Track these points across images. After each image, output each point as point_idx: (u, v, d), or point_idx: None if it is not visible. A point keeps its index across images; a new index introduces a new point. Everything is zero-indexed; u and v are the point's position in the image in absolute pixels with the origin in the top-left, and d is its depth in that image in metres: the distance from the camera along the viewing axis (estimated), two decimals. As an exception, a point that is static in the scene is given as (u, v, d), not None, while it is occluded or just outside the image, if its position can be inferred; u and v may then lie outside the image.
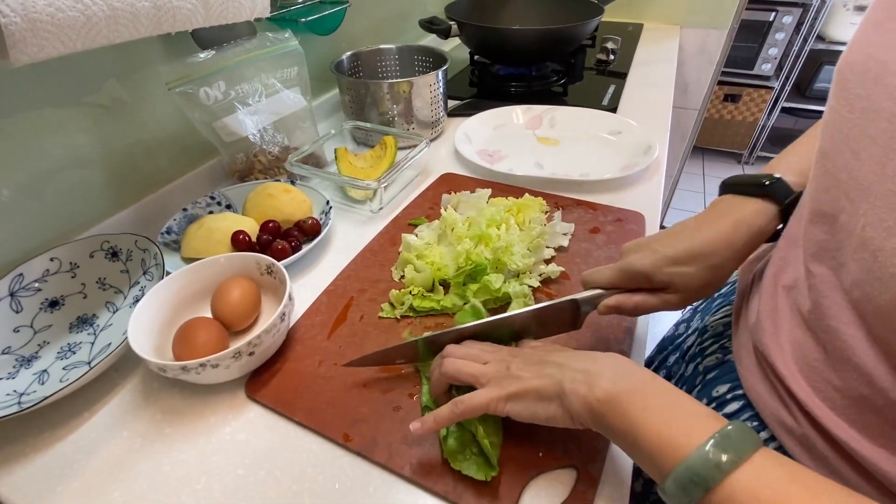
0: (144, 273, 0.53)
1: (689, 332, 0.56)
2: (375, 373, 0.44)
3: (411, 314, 0.50)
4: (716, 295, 0.57)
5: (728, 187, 0.41)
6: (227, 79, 0.63)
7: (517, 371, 0.34)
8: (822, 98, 2.34)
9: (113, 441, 0.40)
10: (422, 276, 0.51)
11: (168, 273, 0.48)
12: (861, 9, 2.09)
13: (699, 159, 2.66)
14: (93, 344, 0.49)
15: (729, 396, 0.41)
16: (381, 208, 0.67)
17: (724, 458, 0.24)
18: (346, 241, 0.62)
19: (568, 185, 0.70)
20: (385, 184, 0.62)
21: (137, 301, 0.44)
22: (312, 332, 0.48)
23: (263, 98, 0.68)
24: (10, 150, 0.50)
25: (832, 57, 2.23)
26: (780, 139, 2.58)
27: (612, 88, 1.01)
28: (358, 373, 0.44)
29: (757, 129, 2.46)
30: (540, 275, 0.52)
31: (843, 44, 2.19)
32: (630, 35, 1.37)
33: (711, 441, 0.25)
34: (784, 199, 0.38)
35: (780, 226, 0.39)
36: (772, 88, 2.32)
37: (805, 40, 2.19)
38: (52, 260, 0.52)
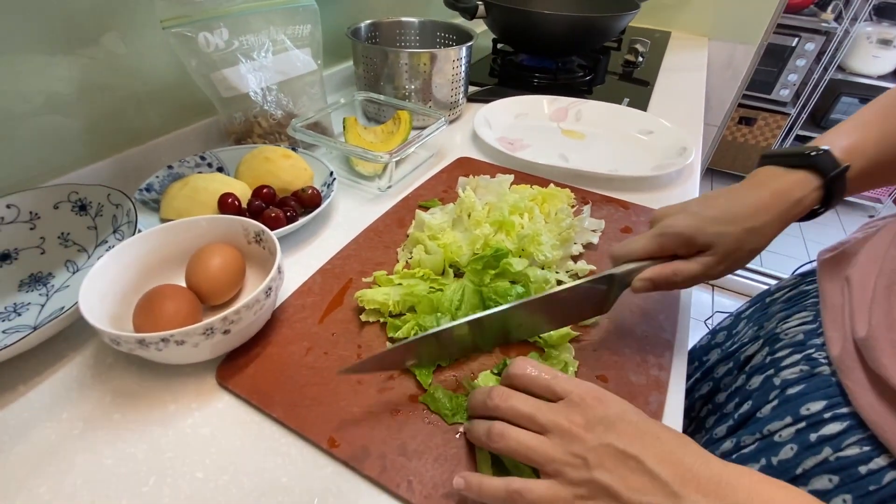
0: (115, 231, 0.46)
1: (743, 339, 0.50)
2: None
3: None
4: (769, 300, 0.52)
5: (768, 158, 0.38)
6: (230, 26, 0.56)
7: (600, 475, 0.25)
8: (837, 129, 2.31)
9: (48, 423, 0.33)
10: (432, 258, 0.44)
11: (140, 232, 0.42)
12: (885, 42, 2.07)
13: (708, 180, 2.62)
14: (43, 306, 0.42)
15: (827, 416, 0.35)
16: (389, 186, 0.61)
17: None
18: (349, 218, 0.56)
19: (595, 181, 0.64)
20: (397, 158, 0.55)
21: (100, 261, 0.37)
22: (302, 314, 0.42)
23: (270, 54, 0.61)
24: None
25: (851, 88, 2.20)
26: (790, 167, 2.55)
27: (626, 101, 0.90)
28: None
29: (769, 155, 2.43)
30: (567, 271, 0.46)
31: (863, 76, 2.16)
32: (657, 41, 1.32)
33: None
34: (829, 171, 0.35)
35: (820, 207, 0.37)
36: (787, 115, 2.29)
37: (825, 69, 2.16)
38: (8, 207, 0.45)
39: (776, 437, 0.38)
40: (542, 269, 0.45)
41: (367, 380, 0.36)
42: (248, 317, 0.35)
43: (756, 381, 0.43)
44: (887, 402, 0.31)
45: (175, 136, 0.62)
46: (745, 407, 0.43)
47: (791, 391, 0.39)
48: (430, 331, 0.34)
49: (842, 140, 0.37)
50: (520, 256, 0.44)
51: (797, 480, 0.34)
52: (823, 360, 0.39)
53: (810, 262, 0.50)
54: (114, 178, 0.55)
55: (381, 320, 0.41)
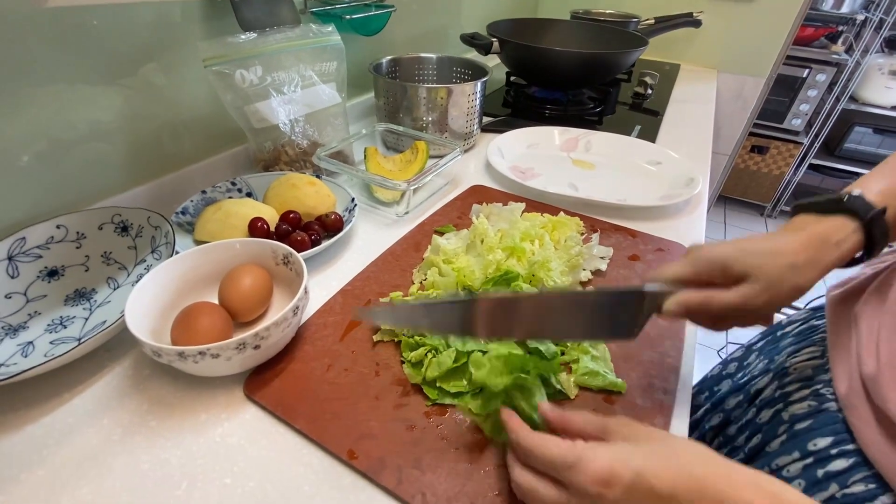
0: (153, 251, 0.50)
1: (753, 372, 0.51)
2: (390, 384, 0.39)
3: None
4: (780, 333, 0.53)
5: (802, 207, 0.37)
6: (264, 64, 0.61)
7: None
8: (850, 158, 2.31)
9: (90, 429, 0.36)
10: (445, 280, 0.47)
11: (177, 253, 0.45)
12: (897, 74, 2.08)
13: (721, 208, 2.62)
14: (87, 320, 0.45)
15: (834, 452, 0.36)
16: (407, 212, 0.64)
17: None
18: (368, 242, 0.59)
19: (604, 210, 0.66)
20: (415, 186, 0.59)
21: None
22: (324, 332, 0.44)
23: (299, 89, 0.66)
24: (39, 118, 0.49)
25: (864, 118, 2.21)
26: (805, 195, 2.51)
27: (638, 128, 0.96)
28: (369, 382, 0.40)
29: (782, 182, 2.43)
30: (576, 297, 0.48)
31: (877, 106, 2.17)
32: (667, 74, 1.36)
33: None
34: (865, 214, 0.34)
35: (864, 253, 0.35)
36: (800, 144, 2.30)
37: (837, 99, 2.18)
38: (58, 227, 0.49)
39: (784, 472, 0.38)
40: (552, 294, 0.47)
41: (385, 396, 0.38)
42: (276, 333, 0.37)
43: (766, 414, 0.44)
44: (891, 439, 0.32)
45: (208, 162, 0.67)
46: (755, 440, 0.43)
47: (799, 426, 0.40)
48: (448, 298, 0.35)
49: (875, 184, 0.36)
50: (530, 282, 0.46)
51: None
52: (831, 396, 0.39)
53: (821, 296, 0.50)
54: (152, 202, 0.59)
55: (396, 339, 0.43)
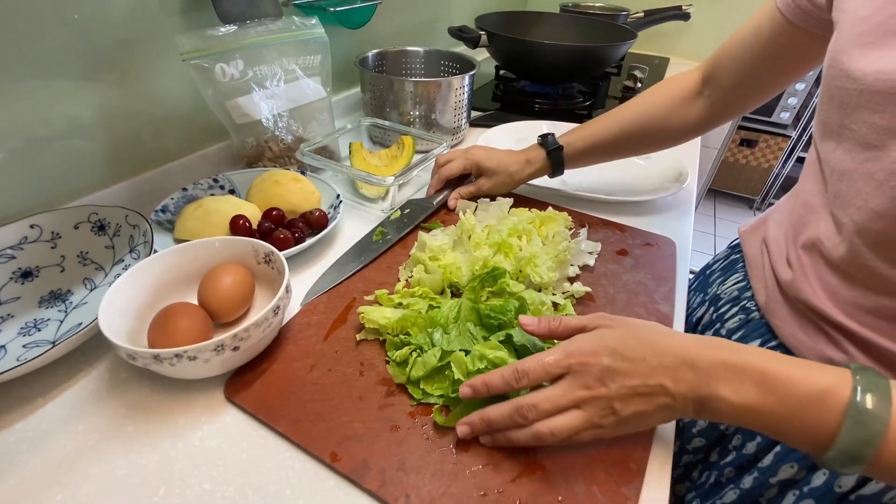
0: (131, 251, 0.49)
1: (693, 305, 0.60)
2: (374, 384, 0.39)
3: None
4: (709, 272, 0.62)
5: (540, 140, 0.62)
6: (246, 57, 0.60)
7: (626, 410, 0.32)
8: (838, 151, 2.33)
9: (65, 434, 0.35)
10: (431, 278, 0.46)
11: (155, 252, 0.44)
12: (883, 67, 2.10)
13: (711, 201, 2.64)
14: (62, 322, 0.44)
15: None
16: (392, 208, 0.63)
17: (878, 405, 0.26)
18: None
19: (593, 205, 0.66)
20: (401, 181, 0.58)
21: (117, 278, 0.39)
22: (307, 332, 0.43)
23: (282, 83, 0.64)
24: (14, 114, 0.48)
25: (851, 112, 2.22)
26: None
27: None
28: (353, 383, 0.39)
29: (771, 175, 2.45)
30: (564, 293, 0.47)
31: (863, 100, 2.19)
32: (656, 67, 1.36)
33: (858, 391, 0.26)
34: (548, 148, 0.60)
35: (553, 170, 0.62)
36: (789, 137, 2.31)
37: (825, 93, 2.19)
38: (32, 227, 0.47)
39: None
40: (539, 290, 0.47)
41: (369, 396, 0.38)
42: (256, 334, 0.36)
43: (707, 335, 0.50)
44: (811, 326, 0.40)
45: (190, 159, 0.65)
46: None
47: (734, 337, 0.48)
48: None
49: (567, 137, 0.61)
50: (517, 278, 0.46)
51: None
52: (754, 308, 0.48)
53: (736, 239, 0.60)
54: (131, 200, 0.57)
55: (381, 338, 0.42)
